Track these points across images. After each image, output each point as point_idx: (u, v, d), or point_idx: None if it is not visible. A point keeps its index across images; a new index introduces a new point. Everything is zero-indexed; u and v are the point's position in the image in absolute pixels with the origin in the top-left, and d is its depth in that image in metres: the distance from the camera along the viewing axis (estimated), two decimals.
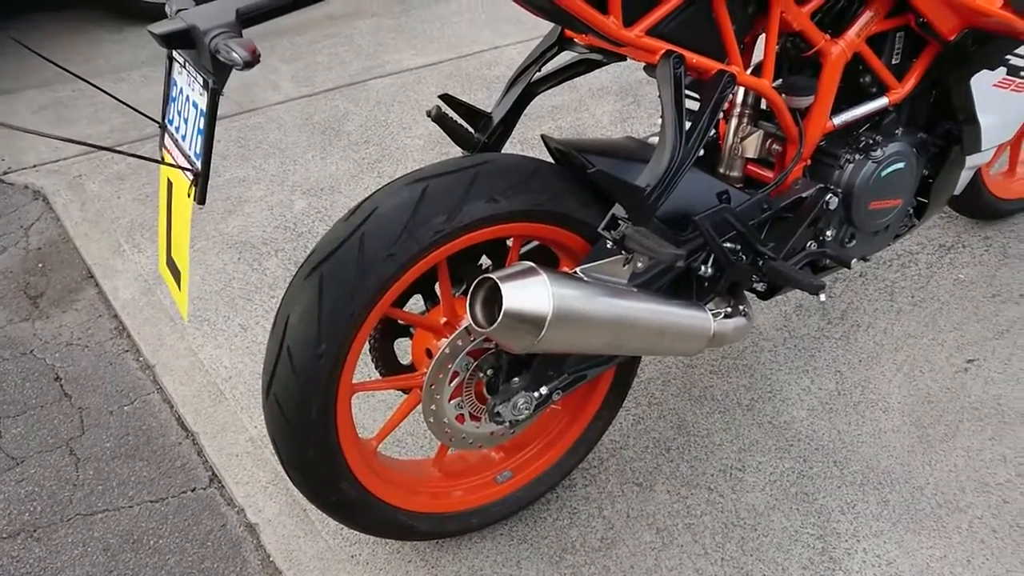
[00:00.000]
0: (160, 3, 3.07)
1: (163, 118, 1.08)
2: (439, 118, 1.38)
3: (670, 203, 1.29)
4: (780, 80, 1.42)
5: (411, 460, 1.50)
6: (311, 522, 1.53)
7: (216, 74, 0.92)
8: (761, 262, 1.36)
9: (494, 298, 1.04)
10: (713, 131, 1.41)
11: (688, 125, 1.22)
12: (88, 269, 2.08)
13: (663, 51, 1.18)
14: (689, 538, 1.50)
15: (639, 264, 1.21)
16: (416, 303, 1.39)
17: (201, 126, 0.95)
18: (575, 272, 1.14)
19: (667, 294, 1.25)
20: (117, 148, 1.04)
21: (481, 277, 1.07)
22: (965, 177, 1.70)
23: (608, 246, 1.18)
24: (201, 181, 0.96)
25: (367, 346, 1.39)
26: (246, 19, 0.95)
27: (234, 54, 0.87)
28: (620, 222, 1.17)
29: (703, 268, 1.33)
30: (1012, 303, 1.93)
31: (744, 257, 1.36)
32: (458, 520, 1.43)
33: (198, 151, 0.96)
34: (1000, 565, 1.44)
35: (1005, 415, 1.69)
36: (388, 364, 1.42)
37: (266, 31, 3.01)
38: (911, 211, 1.66)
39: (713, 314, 1.31)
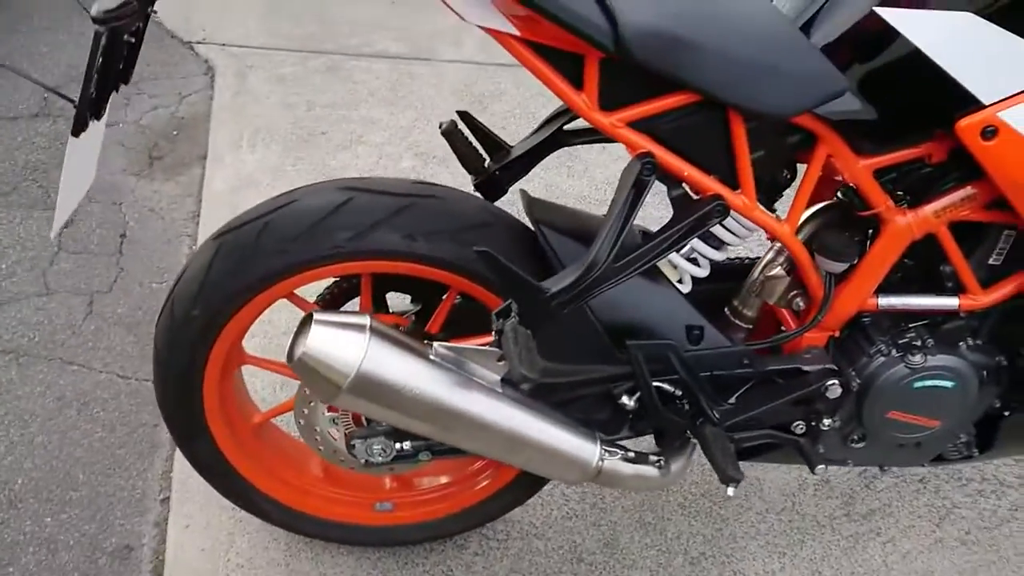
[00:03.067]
0: None
1: None
2: (449, 134, 1.30)
3: (629, 312, 1.14)
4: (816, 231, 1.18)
5: (300, 446, 1.47)
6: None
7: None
8: (699, 421, 1.16)
9: (307, 334, 0.97)
10: (720, 255, 1.20)
11: (658, 240, 1.05)
12: (206, 151, 2.23)
13: (641, 151, 1.02)
14: None
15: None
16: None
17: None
18: (431, 347, 1.03)
19: (549, 407, 1.10)
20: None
21: (311, 312, 1.00)
22: None
23: (493, 335, 1.06)
24: (78, 116, 0.97)
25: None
26: None
27: None
28: (512, 313, 1.03)
29: (624, 398, 1.15)
30: None
31: (683, 406, 1.16)
32: (317, 525, 1.40)
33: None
34: None
35: None
36: None
37: None
38: (970, 439, 1.34)
39: (606, 449, 1.14)
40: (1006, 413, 1.30)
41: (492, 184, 1.32)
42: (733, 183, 1.08)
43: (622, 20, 0.91)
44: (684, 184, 1.08)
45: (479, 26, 0.94)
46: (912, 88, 1.02)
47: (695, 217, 1.05)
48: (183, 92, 2.41)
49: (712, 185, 1.06)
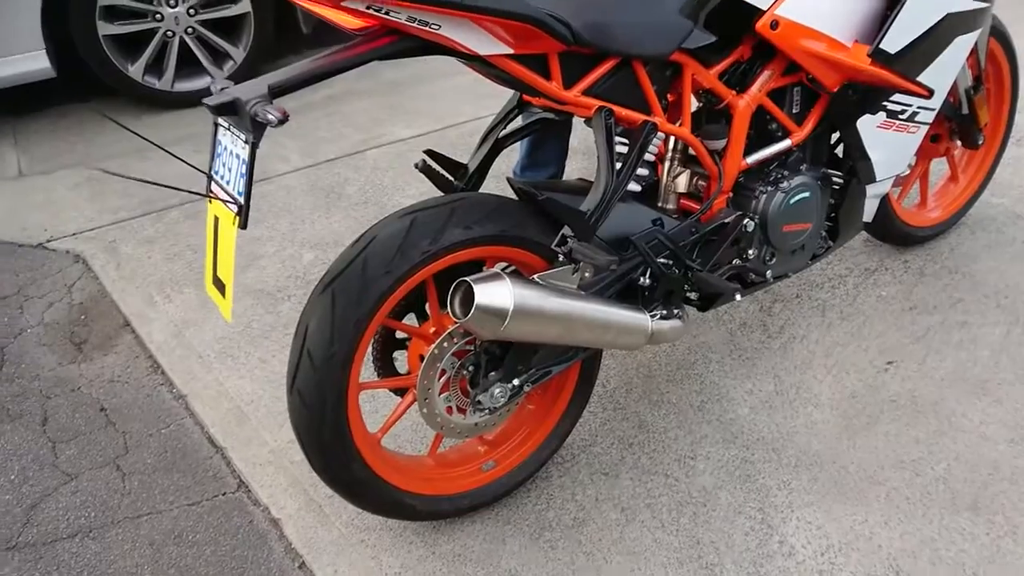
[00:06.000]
0: (172, 92, 3.46)
1: (210, 169, 1.39)
2: (425, 169, 1.71)
3: (614, 229, 1.61)
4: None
5: (409, 455, 1.77)
6: (326, 515, 1.79)
7: (255, 132, 1.23)
8: (690, 273, 1.67)
9: (470, 296, 1.35)
10: (646, 171, 1.73)
11: (620, 164, 1.54)
12: (125, 318, 2.37)
13: (597, 107, 1.51)
14: (649, 515, 1.76)
15: (587, 274, 1.52)
16: (411, 321, 1.69)
17: (243, 171, 1.26)
18: (534, 278, 1.45)
19: (612, 298, 1.55)
20: (183, 189, 1.35)
21: (459, 280, 1.38)
22: (871, 205, 2.02)
23: (560, 259, 1.49)
24: (244, 211, 1.27)
25: (370, 356, 1.68)
26: (275, 91, 1.27)
27: (269, 116, 1.19)
28: (568, 240, 1.48)
29: (642, 279, 1.63)
30: (927, 314, 2.23)
31: (676, 270, 1.66)
32: (451, 502, 1.70)
33: (241, 190, 1.27)
34: (912, 525, 1.70)
35: (919, 405, 1.97)
36: (388, 371, 1.71)
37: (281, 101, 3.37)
38: (824, 234, 1.98)
39: (651, 315, 1.61)
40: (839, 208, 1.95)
41: None
42: (648, 112, 1.60)
43: (571, 23, 1.40)
44: (620, 123, 1.59)
45: (486, 56, 1.39)
46: (727, 13, 1.61)
47: (642, 140, 1.56)
48: (66, 283, 2.51)
49: (640, 116, 1.58)
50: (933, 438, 1.89)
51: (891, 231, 2.32)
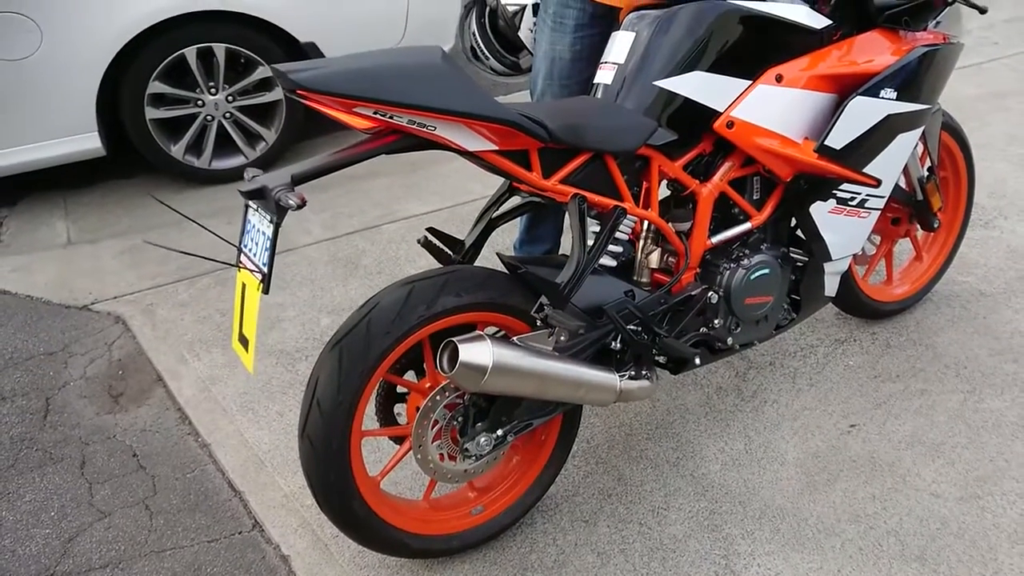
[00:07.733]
0: (209, 169, 3.77)
1: (240, 242, 1.64)
2: (426, 244, 1.95)
3: (591, 299, 1.84)
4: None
5: (406, 498, 1.97)
6: (331, 553, 1.99)
7: (278, 214, 1.49)
8: (657, 339, 1.89)
9: (456, 354, 1.57)
10: (621, 248, 1.96)
11: (592, 243, 1.77)
12: (158, 374, 2.62)
13: (572, 194, 1.76)
14: (623, 559, 1.94)
15: (561, 337, 1.74)
16: (412, 377, 1.91)
17: (267, 246, 1.51)
18: (513, 340, 1.67)
19: (585, 359, 1.77)
20: (217, 259, 1.60)
21: (447, 340, 1.60)
22: (831, 282, 2.23)
23: (538, 324, 1.72)
24: (267, 279, 1.51)
25: (374, 408, 1.90)
26: (297, 180, 1.53)
27: (291, 201, 1.44)
28: (545, 307, 1.70)
29: (613, 343, 1.85)
30: (890, 382, 2.41)
31: (644, 336, 1.88)
32: (442, 541, 1.89)
33: (265, 261, 1.52)
34: (863, 573, 1.86)
35: (877, 465, 2.14)
36: (389, 422, 1.92)
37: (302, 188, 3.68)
38: (787, 307, 2.19)
39: (620, 376, 1.82)
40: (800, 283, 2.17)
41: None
42: (619, 198, 1.85)
43: (547, 124, 1.66)
44: (594, 207, 1.83)
45: (474, 151, 1.64)
46: (687, 115, 1.86)
47: (611, 222, 1.80)
48: (107, 341, 2.76)
49: (611, 202, 1.82)
50: (888, 495, 2.06)
51: (858, 306, 2.52)
